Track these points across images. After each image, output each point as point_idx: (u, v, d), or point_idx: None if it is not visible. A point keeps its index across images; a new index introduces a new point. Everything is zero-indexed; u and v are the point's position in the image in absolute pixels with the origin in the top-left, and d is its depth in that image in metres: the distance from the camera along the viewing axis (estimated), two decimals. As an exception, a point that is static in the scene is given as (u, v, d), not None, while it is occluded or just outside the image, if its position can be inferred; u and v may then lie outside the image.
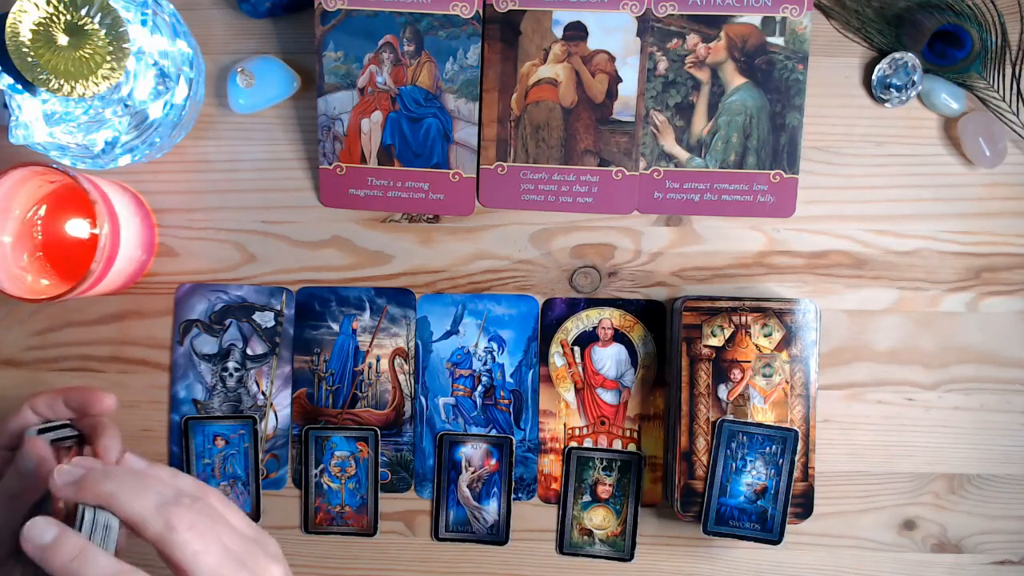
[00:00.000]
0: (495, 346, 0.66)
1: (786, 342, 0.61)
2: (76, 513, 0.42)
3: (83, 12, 0.54)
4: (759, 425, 0.61)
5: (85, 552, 0.40)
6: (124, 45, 0.55)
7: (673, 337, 0.64)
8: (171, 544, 0.41)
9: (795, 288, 0.66)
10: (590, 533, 0.66)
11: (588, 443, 0.66)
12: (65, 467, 0.43)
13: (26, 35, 0.54)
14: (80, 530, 0.41)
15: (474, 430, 0.66)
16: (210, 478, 0.66)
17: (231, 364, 0.66)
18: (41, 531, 0.40)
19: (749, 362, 0.61)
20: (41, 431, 0.49)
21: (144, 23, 0.56)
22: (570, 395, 0.66)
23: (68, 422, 0.51)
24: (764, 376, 0.61)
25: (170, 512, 0.41)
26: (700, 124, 0.64)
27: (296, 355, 0.66)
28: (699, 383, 0.61)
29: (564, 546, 0.66)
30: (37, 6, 0.54)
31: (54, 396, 0.51)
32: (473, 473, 0.66)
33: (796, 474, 0.61)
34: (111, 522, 0.42)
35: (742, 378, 0.61)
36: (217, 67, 0.66)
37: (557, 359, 0.66)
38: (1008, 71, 0.65)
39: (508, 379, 0.66)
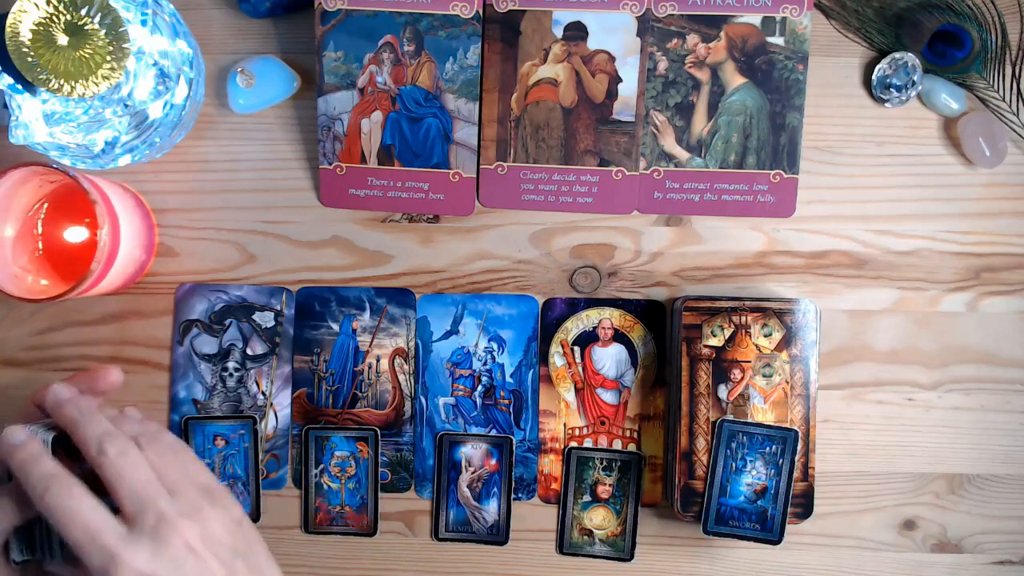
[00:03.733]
0: (495, 346, 0.66)
1: (786, 342, 0.61)
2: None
3: (83, 12, 0.54)
4: (759, 425, 0.61)
5: (38, 456, 0.45)
6: (124, 45, 0.55)
7: (673, 337, 0.64)
8: (99, 465, 0.45)
9: (795, 288, 0.66)
10: (590, 533, 0.66)
11: (588, 443, 0.66)
12: (59, 387, 0.50)
13: (26, 35, 0.54)
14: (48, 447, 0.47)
15: (474, 430, 0.66)
16: (210, 478, 0.66)
17: (231, 364, 0.66)
18: (15, 435, 0.47)
19: (749, 362, 0.61)
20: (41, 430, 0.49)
21: (144, 23, 0.56)
22: (570, 395, 0.66)
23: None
24: (764, 376, 0.61)
25: (105, 438, 0.46)
26: (700, 124, 0.64)
27: (296, 355, 0.66)
28: (699, 383, 0.61)
29: (564, 546, 0.66)
30: (37, 6, 0.54)
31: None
32: (473, 473, 0.66)
33: (796, 474, 0.61)
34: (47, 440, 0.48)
35: (742, 378, 0.61)
36: (217, 67, 0.66)
37: (557, 359, 0.66)
38: (1008, 71, 0.65)
39: (508, 379, 0.66)
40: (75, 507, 0.43)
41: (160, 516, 0.44)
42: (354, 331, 0.66)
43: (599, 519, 0.66)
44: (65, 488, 0.44)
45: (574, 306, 0.66)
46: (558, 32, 0.64)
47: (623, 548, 0.66)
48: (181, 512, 0.45)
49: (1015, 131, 0.65)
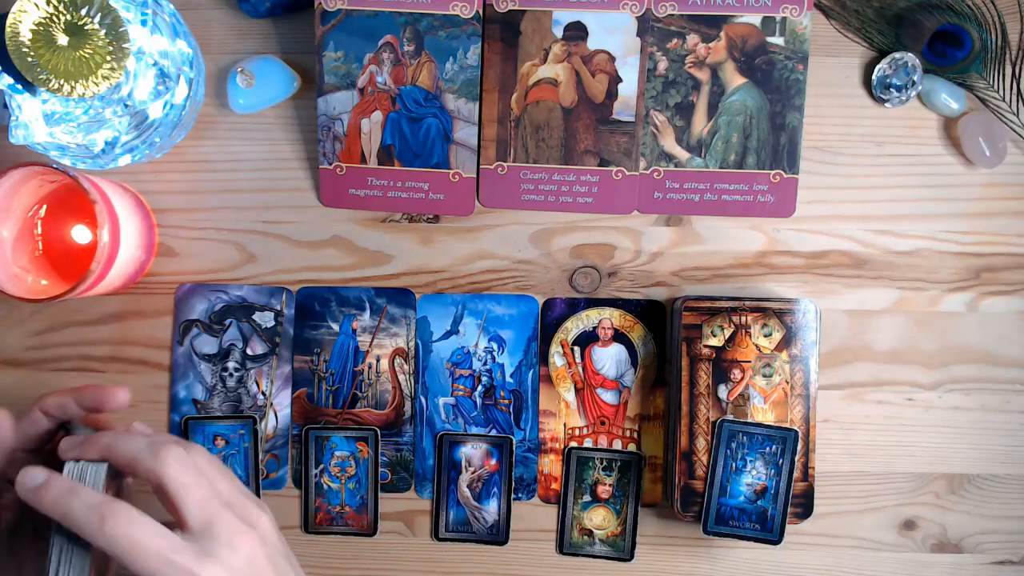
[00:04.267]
0: (495, 346, 0.66)
1: (786, 342, 0.61)
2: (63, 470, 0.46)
3: (83, 12, 0.54)
4: (759, 425, 0.61)
5: (74, 488, 0.43)
6: (124, 45, 0.55)
7: (673, 337, 0.64)
8: (161, 476, 0.43)
9: (795, 288, 0.66)
10: (590, 533, 0.66)
11: (588, 443, 0.66)
12: (68, 439, 0.47)
13: (26, 35, 0.54)
14: (88, 481, 0.45)
15: (474, 430, 0.66)
16: (210, 478, 0.66)
17: (231, 364, 0.66)
18: (32, 476, 0.44)
19: (749, 362, 0.61)
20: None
21: (144, 23, 0.56)
22: (570, 395, 0.66)
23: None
24: (764, 376, 0.61)
25: (160, 447, 0.44)
26: (700, 124, 0.64)
27: (296, 355, 0.66)
28: (699, 383, 0.61)
29: (564, 546, 0.66)
30: (37, 6, 0.54)
31: (65, 396, 0.50)
32: (473, 473, 0.66)
33: (796, 474, 0.61)
34: (99, 471, 0.45)
35: (742, 378, 0.61)
36: (217, 67, 0.66)
37: (557, 359, 0.66)
38: (1008, 71, 0.65)
39: (508, 379, 0.66)
40: (139, 535, 0.41)
41: (232, 527, 0.44)
42: (354, 331, 0.66)
43: (599, 519, 0.66)
44: (124, 516, 0.42)
45: (574, 306, 0.66)
46: (558, 32, 0.64)
47: (623, 548, 0.66)
48: (244, 520, 0.45)
49: (1015, 131, 0.65)
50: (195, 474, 0.44)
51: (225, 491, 0.45)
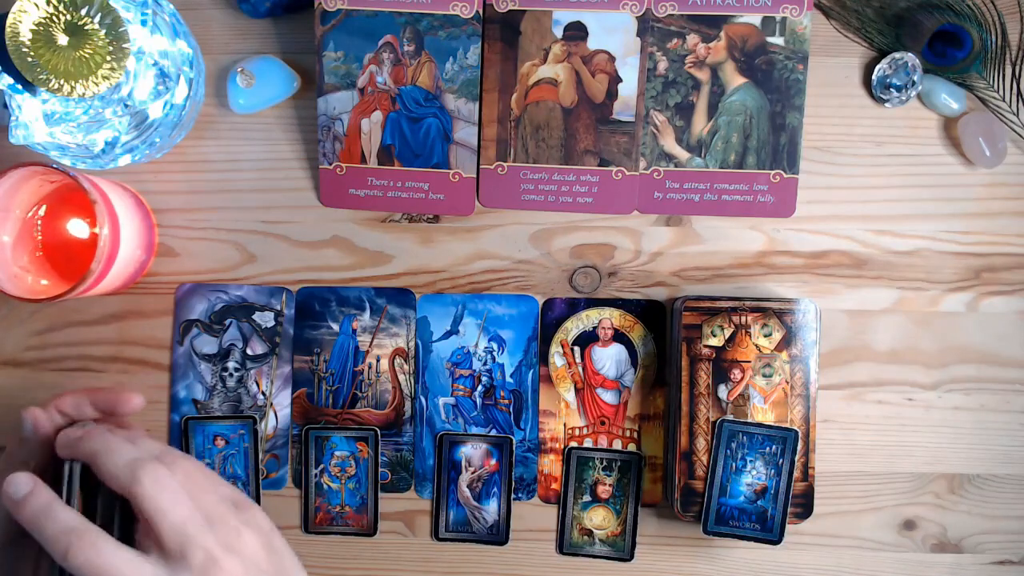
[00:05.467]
0: (495, 346, 0.66)
1: (786, 342, 0.61)
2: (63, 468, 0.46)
3: (83, 12, 0.54)
4: (759, 425, 0.61)
5: (49, 507, 0.42)
6: (124, 45, 0.55)
7: (673, 337, 0.64)
8: (136, 496, 0.43)
9: (795, 288, 0.66)
10: (590, 533, 0.66)
11: (588, 443, 0.66)
12: (69, 429, 0.46)
13: (26, 35, 0.54)
14: (64, 483, 0.45)
15: (474, 430, 0.66)
16: (210, 478, 0.66)
17: (231, 364, 0.66)
18: (16, 486, 0.43)
19: (749, 362, 0.61)
20: None
21: (144, 23, 0.56)
22: (570, 395, 0.66)
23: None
24: (764, 376, 0.61)
25: (137, 466, 0.43)
26: (700, 124, 0.64)
27: (296, 355, 0.66)
28: (699, 383, 0.61)
29: (564, 546, 0.66)
30: (37, 6, 0.54)
31: (80, 396, 0.51)
32: (473, 473, 0.66)
33: (796, 474, 0.61)
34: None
35: (742, 378, 0.61)
36: (217, 67, 0.66)
37: (557, 359, 0.66)
38: (1008, 71, 0.65)
39: (508, 379, 0.66)
40: (106, 563, 0.41)
41: (207, 553, 0.42)
42: (354, 331, 0.66)
43: (599, 519, 0.66)
44: (88, 544, 0.41)
45: (574, 306, 0.66)
46: (558, 32, 0.64)
47: (623, 548, 0.66)
48: (223, 544, 0.43)
49: (1015, 131, 0.65)
50: (173, 495, 0.43)
51: (210, 508, 0.44)
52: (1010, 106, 0.65)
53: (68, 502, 0.45)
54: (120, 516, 0.45)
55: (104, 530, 0.43)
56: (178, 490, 0.44)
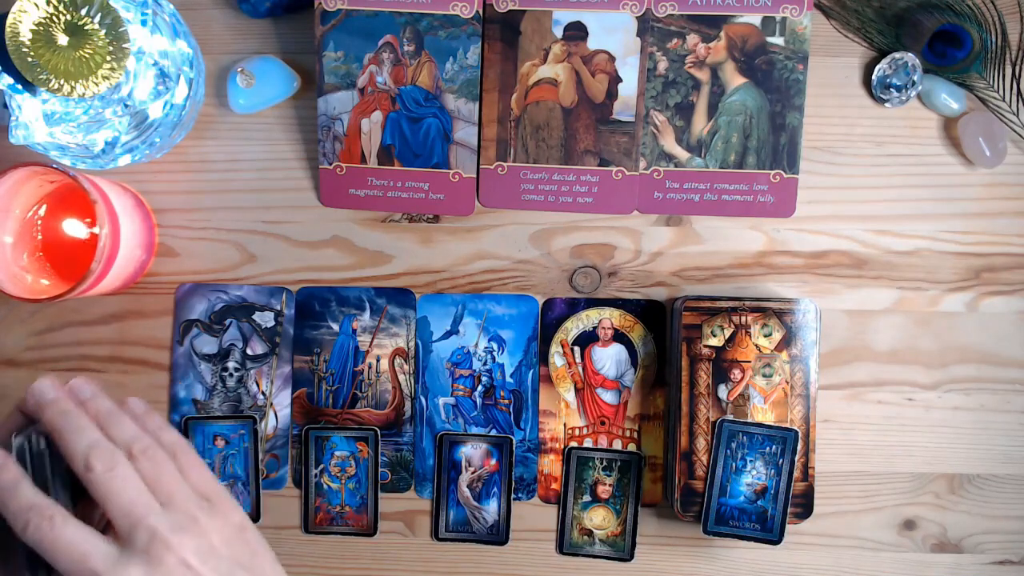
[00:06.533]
0: (495, 346, 0.66)
1: (786, 342, 0.61)
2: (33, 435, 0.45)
3: (83, 12, 0.54)
4: (759, 425, 0.61)
5: (16, 484, 0.43)
6: (124, 45, 0.55)
7: (673, 337, 0.64)
8: (87, 482, 0.43)
9: (795, 288, 0.66)
10: (590, 533, 0.66)
11: (588, 443, 0.66)
12: (43, 384, 0.45)
13: (26, 35, 0.54)
14: (29, 449, 0.45)
15: (474, 430, 0.66)
16: (210, 478, 0.66)
17: (231, 364, 0.66)
18: None
19: (749, 362, 0.61)
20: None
21: (144, 23, 0.56)
22: (570, 395, 0.66)
23: None
24: (764, 376, 0.61)
25: (92, 452, 0.43)
26: (700, 124, 0.64)
27: (296, 355, 0.66)
28: (699, 383, 0.61)
29: (564, 546, 0.66)
30: (37, 6, 0.54)
31: (97, 389, 0.50)
32: (473, 473, 0.66)
33: (796, 474, 0.61)
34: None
35: (742, 378, 0.61)
36: (217, 67, 0.66)
37: (557, 359, 0.66)
38: (1008, 71, 0.65)
39: (508, 379, 0.66)
40: (57, 537, 0.41)
41: (152, 533, 0.42)
42: (354, 331, 0.66)
43: (599, 519, 0.66)
44: (45, 520, 0.41)
45: (574, 306, 0.66)
46: (558, 32, 0.64)
47: (623, 548, 0.66)
48: (175, 526, 0.43)
49: (1015, 131, 0.65)
50: (123, 481, 0.43)
51: (170, 495, 0.44)
52: (1010, 106, 0.65)
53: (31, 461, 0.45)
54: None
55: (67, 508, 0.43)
56: (131, 476, 0.43)
